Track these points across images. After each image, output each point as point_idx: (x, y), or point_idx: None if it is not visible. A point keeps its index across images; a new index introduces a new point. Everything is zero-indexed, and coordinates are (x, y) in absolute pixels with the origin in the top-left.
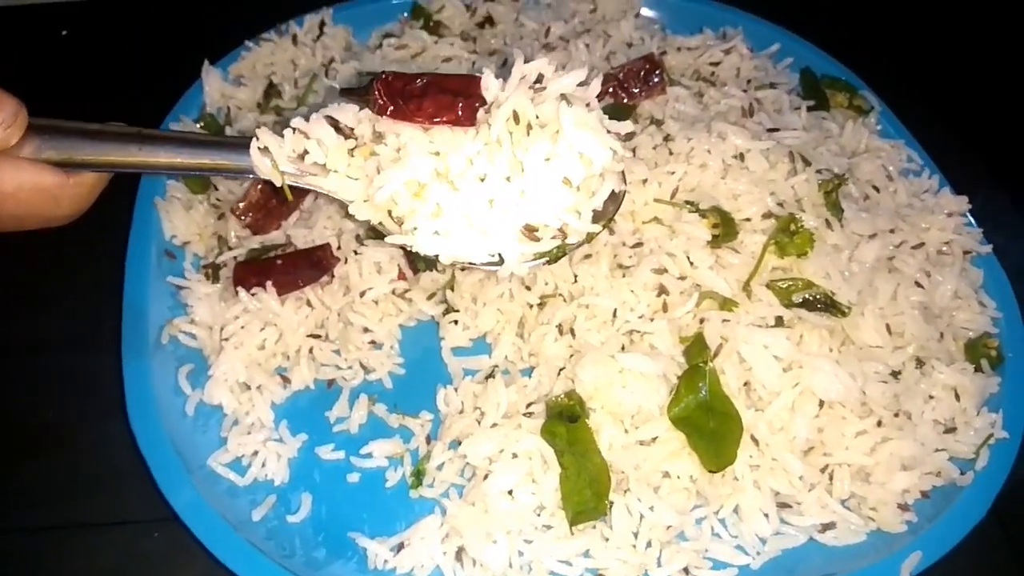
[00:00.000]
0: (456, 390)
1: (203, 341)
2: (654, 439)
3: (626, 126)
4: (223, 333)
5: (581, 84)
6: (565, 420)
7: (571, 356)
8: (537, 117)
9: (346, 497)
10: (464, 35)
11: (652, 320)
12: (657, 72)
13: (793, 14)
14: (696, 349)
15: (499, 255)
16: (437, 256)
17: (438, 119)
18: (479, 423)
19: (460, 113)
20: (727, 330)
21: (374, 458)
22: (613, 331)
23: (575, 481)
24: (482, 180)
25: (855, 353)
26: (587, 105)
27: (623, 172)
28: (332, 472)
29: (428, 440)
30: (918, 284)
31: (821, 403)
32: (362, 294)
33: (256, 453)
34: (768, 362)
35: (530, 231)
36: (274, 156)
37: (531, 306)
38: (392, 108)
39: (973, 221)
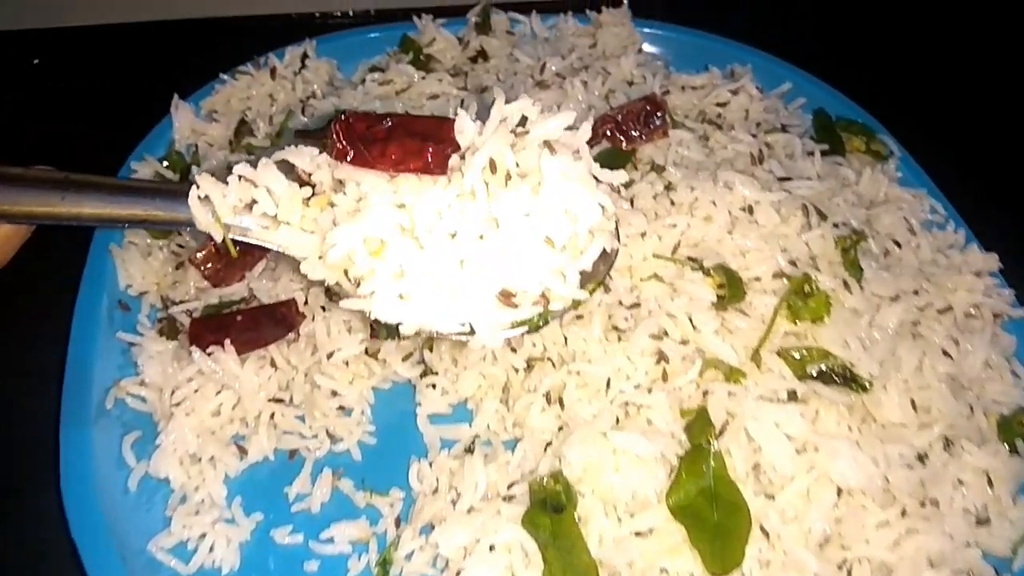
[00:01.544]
0: (431, 464)
1: (153, 405)
2: (651, 531)
3: (620, 176)
4: (174, 397)
5: (569, 128)
6: (550, 509)
7: (559, 429)
8: (517, 166)
9: None
10: (455, 70)
11: (650, 391)
12: (659, 113)
13: (805, 51)
14: (699, 426)
15: (470, 324)
16: (399, 324)
17: (404, 166)
18: (454, 505)
19: (429, 160)
20: (734, 404)
21: (336, 543)
22: (606, 402)
23: None
24: (452, 237)
25: (877, 433)
26: (575, 152)
27: (617, 228)
28: (288, 559)
29: (397, 523)
30: (945, 353)
31: (839, 490)
32: (330, 355)
33: (204, 536)
34: (780, 442)
35: (507, 296)
36: (216, 207)
37: (517, 370)
38: (352, 153)
39: (1004, 281)
